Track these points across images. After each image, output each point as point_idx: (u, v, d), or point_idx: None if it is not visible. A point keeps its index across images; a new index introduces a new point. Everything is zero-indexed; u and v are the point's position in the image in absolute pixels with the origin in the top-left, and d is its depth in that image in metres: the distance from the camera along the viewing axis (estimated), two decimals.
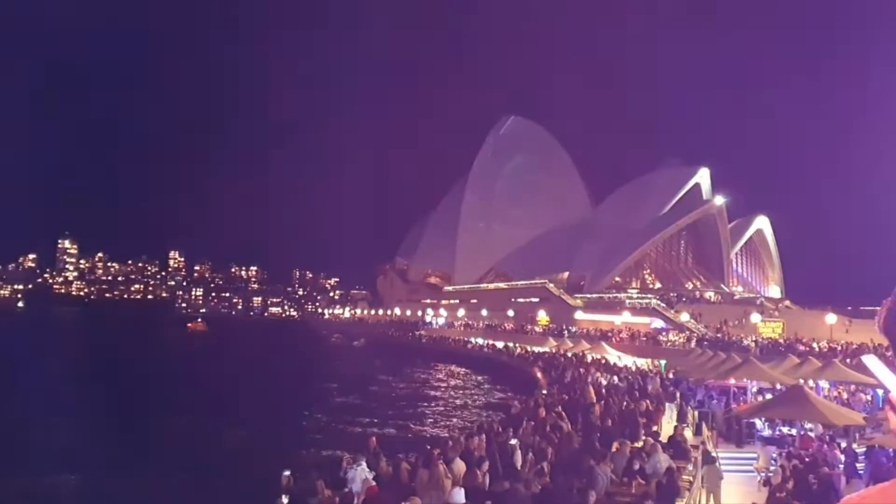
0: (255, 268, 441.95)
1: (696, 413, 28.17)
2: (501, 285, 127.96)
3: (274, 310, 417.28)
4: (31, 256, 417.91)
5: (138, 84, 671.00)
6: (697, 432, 25.19)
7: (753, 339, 65.22)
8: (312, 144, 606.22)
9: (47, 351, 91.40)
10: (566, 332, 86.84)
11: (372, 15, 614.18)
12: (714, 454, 19.60)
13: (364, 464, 14.71)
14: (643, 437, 19.91)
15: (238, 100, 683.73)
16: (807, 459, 18.61)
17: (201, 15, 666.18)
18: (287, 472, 13.50)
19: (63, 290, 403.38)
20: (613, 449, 17.62)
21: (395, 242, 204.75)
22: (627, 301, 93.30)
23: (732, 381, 32.80)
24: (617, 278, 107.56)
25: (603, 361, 55.06)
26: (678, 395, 31.70)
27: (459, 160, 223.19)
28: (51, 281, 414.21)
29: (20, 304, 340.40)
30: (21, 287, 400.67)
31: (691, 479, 17.09)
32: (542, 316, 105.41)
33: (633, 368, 49.62)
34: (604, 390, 32.15)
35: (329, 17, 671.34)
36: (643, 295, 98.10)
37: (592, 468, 15.17)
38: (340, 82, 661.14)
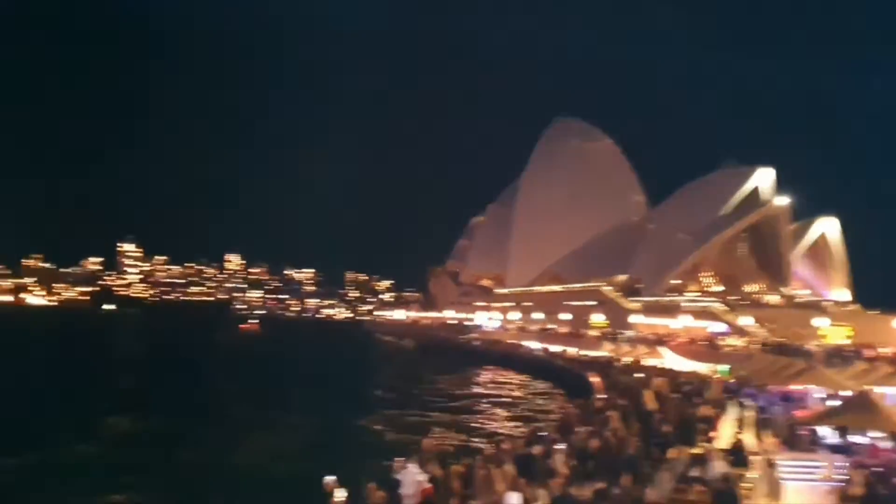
0: (310, 270, 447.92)
1: (758, 419, 27.31)
2: (555, 288, 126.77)
3: (328, 311, 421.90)
4: (95, 259, 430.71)
5: (201, 90, 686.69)
6: (759, 439, 24.39)
7: (817, 343, 63.25)
8: (368, 149, 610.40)
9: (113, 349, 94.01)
10: (622, 335, 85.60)
11: (431, 15, 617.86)
12: (776, 462, 18.90)
13: (415, 466, 14.55)
14: (702, 444, 19.36)
15: (296, 106, 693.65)
16: (879, 469, 17.80)
17: (277, 17, 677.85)
18: (331, 477, 13.37)
19: (126, 292, 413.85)
20: (671, 455, 17.14)
21: (447, 245, 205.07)
22: (686, 304, 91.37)
23: (796, 386, 31.75)
24: (675, 281, 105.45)
25: (660, 366, 54.08)
26: (739, 401, 30.82)
27: (513, 162, 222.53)
28: (113, 283, 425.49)
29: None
30: (85, 289, 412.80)
31: (752, 486, 16.53)
32: (598, 319, 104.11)
33: (692, 373, 48.57)
34: (661, 395, 31.43)
35: (387, 19, 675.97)
36: (702, 298, 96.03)
37: (650, 474, 14.77)
38: (394, 87, 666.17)
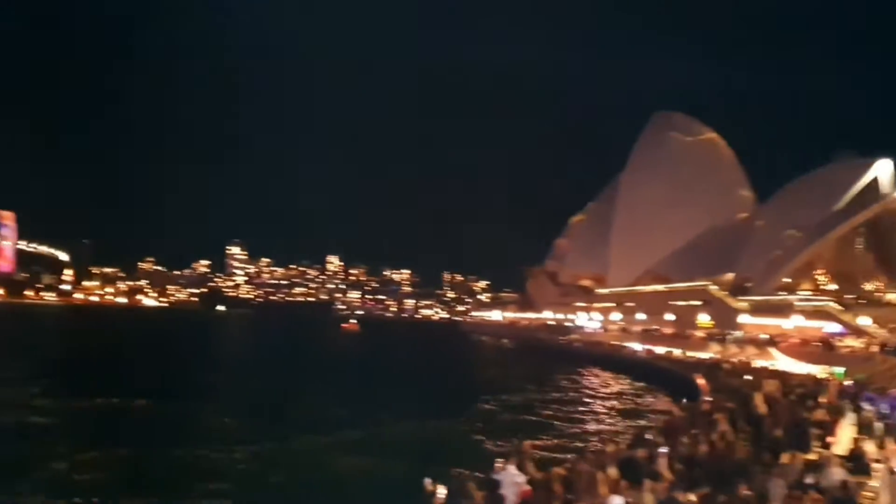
0: (407, 271, 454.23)
1: (880, 425, 25.75)
2: (659, 287, 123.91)
3: (425, 312, 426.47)
4: (204, 262, 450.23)
5: (293, 90, 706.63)
6: (881, 446, 22.99)
7: None
8: (464, 149, 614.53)
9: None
10: (730, 336, 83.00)
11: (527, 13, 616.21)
12: None
13: (514, 468, 14.43)
14: (817, 450, 18.44)
15: (389, 105, 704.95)
16: None
17: (351, 19, 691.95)
18: (429, 479, 13.37)
19: (233, 294, 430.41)
20: (784, 461, 16.37)
21: (545, 244, 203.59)
22: (798, 304, 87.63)
23: None
24: (786, 279, 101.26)
25: (771, 368, 52.05)
26: (858, 405, 29.19)
27: (613, 159, 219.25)
28: (221, 285, 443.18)
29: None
30: (196, 291, 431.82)
31: (873, 496, 15.60)
32: (704, 319, 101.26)
33: (806, 376, 46.43)
34: (772, 399, 30.13)
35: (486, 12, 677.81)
36: (816, 297, 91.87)
37: (764, 480, 14.13)
38: (494, 86, 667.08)
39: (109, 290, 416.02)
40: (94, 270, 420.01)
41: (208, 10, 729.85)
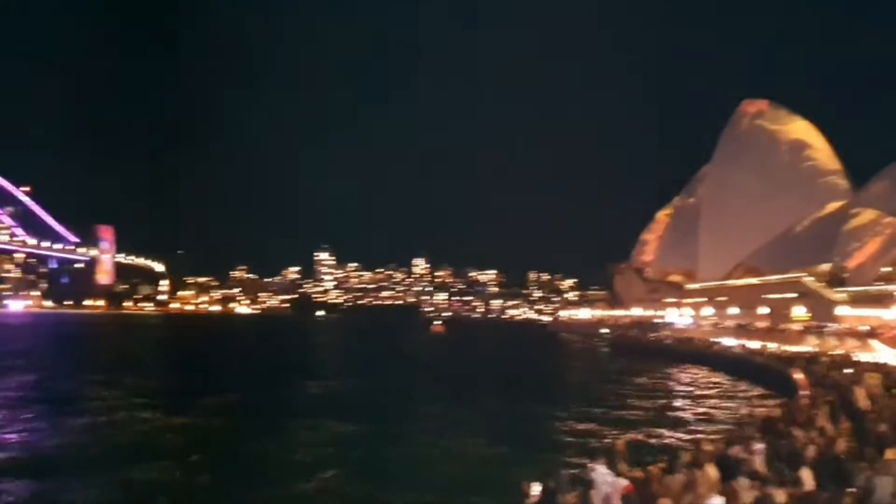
0: (493, 271, 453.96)
1: None
2: (752, 281, 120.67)
3: (512, 312, 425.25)
4: (294, 269, 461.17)
5: (379, 93, 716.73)
6: None
7: None
8: (549, 148, 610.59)
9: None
10: (828, 329, 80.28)
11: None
12: None
13: (608, 467, 14.61)
14: None
15: (475, 104, 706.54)
16: None
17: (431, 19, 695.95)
18: (531, 483, 13.76)
19: (322, 299, 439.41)
20: (888, 457, 16.04)
21: (632, 240, 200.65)
22: None
23: None
24: (886, 268, 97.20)
25: (873, 360, 50.22)
26: None
27: (701, 148, 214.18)
28: (311, 290, 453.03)
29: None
30: (286, 297, 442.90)
31: None
32: (800, 312, 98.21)
33: None
34: (875, 392, 29.28)
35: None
36: None
37: (870, 478, 13.93)
38: (574, 84, 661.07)
39: (204, 298, 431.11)
40: (189, 280, 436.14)
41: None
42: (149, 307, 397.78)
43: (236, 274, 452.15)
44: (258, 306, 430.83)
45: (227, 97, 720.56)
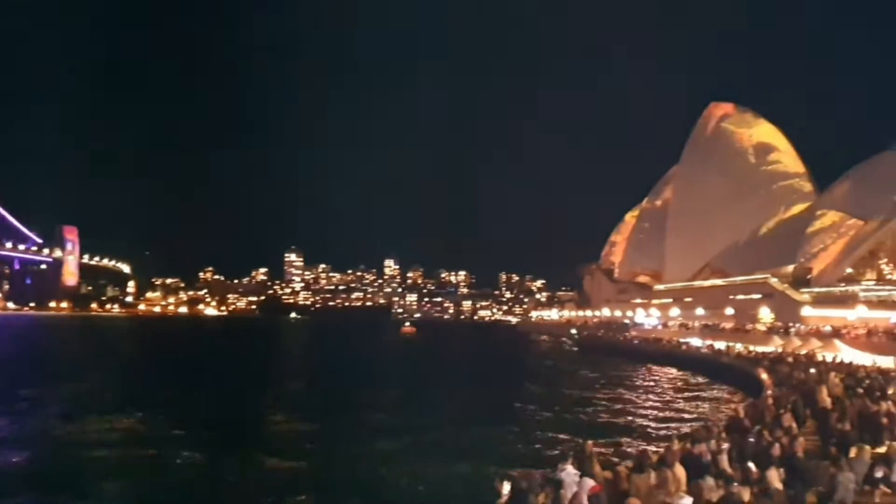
0: (463, 273, 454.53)
1: None
2: (718, 282, 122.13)
3: (483, 313, 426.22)
4: (262, 270, 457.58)
5: (350, 95, 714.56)
6: None
7: None
8: (518, 150, 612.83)
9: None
10: (793, 329, 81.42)
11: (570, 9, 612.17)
12: None
13: (573, 467, 14.65)
14: (886, 443, 18.25)
15: (444, 106, 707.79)
16: None
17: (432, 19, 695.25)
18: (498, 479, 13.76)
19: (291, 300, 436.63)
20: (851, 455, 16.29)
21: (601, 242, 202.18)
22: (862, 294, 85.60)
23: None
24: (849, 270, 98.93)
25: (836, 360, 51.03)
26: None
27: (668, 151, 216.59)
28: (280, 292, 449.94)
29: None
30: (255, 299, 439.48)
31: None
32: (765, 313, 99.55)
33: (873, 368, 45.48)
34: (838, 392, 29.76)
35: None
36: (880, 287, 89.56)
37: (834, 475, 14.13)
38: (543, 86, 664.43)
39: (171, 300, 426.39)
40: (156, 282, 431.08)
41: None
42: (115, 309, 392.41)
43: (204, 275, 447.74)
44: (226, 308, 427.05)
45: (196, 96, 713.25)
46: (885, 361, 50.92)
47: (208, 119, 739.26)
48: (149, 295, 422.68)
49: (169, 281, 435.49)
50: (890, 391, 29.40)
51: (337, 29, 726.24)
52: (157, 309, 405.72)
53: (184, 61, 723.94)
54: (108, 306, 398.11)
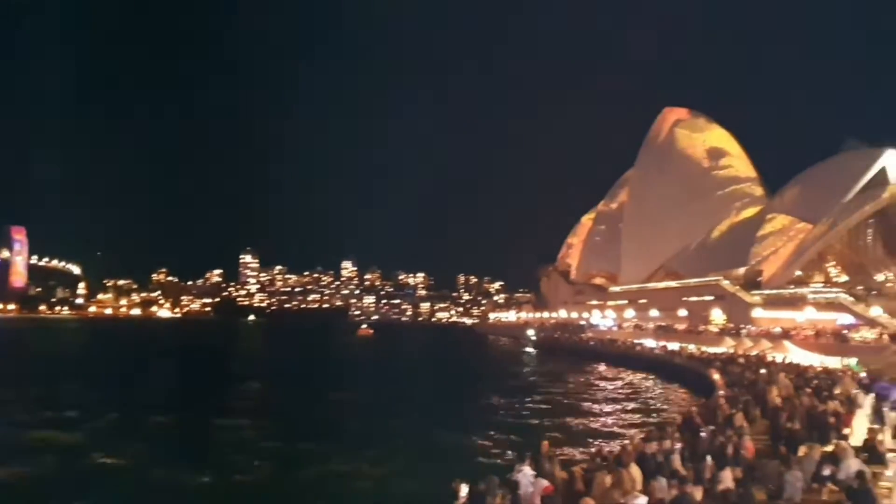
0: (421, 274, 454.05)
1: (894, 415, 26.03)
2: (672, 284, 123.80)
3: (441, 315, 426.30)
4: (217, 271, 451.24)
5: (318, 97, 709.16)
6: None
7: None
8: (475, 151, 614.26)
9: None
10: (744, 331, 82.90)
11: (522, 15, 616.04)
12: None
13: (533, 468, 14.77)
14: (833, 441, 18.72)
15: (411, 107, 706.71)
16: None
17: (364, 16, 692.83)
18: (456, 479, 13.80)
19: (247, 302, 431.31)
20: (801, 453, 16.69)
21: (559, 244, 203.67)
22: (811, 296, 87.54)
23: None
24: (798, 272, 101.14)
25: (786, 361, 52.18)
26: (872, 395, 29.47)
27: (624, 155, 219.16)
28: (235, 294, 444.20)
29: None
30: (209, 301, 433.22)
31: (890, 486, 15.88)
32: (717, 315, 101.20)
33: (820, 368, 46.64)
34: (788, 391, 30.44)
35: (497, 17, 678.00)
36: (828, 289, 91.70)
37: (782, 474, 14.46)
38: (512, 87, 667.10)
39: (123, 302, 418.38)
40: (108, 283, 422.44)
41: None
42: (65, 311, 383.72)
43: (157, 277, 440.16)
44: (180, 310, 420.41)
45: (148, 95, 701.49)
46: (832, 362, 52.29)
47: (162, 119, 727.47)
48: (100, 297, 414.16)
49: (121, 282, 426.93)
50: (837, 391, 30.17)
51: (299, 30, 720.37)
52: (109, 311, 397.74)
53: (142, 60, 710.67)
54: (57, 308, 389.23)
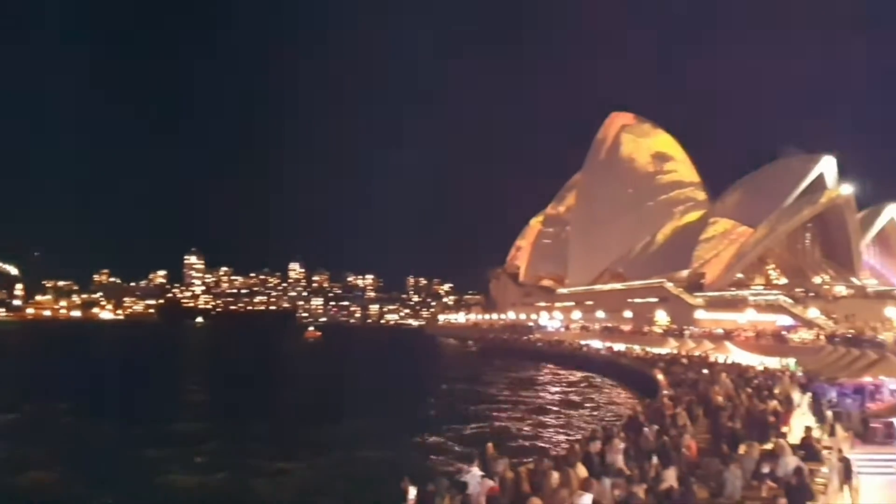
0: (370, 276, 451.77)
1: (830, 413, 26.80)
2: (617, 286, 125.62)
3: (390, 317, 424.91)
4: (161, 272, 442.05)
5: (260, 96, 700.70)
6: (831, 433, 23.99)
7: (892, 334, 61.40)
8: (426, 151, 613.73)
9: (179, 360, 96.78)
10: (687, 332, 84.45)
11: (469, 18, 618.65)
12: (850, 456, 18.61)
13: (480, 469, 14.80)
14: (772, 439, 19.15)
15: (356, 109, 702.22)
16: None
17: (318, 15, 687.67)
18: (406, 479, 13.76)
19: (191, 304, 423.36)
20: (741, 451, 17.05)
21: (508, 246, 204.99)
22: (751, 298, 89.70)
23: (868, 378, 30.98)
24: (739, 275, 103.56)
25: (727, 361, 53.32)
26: (809, 394, 30.30)
27: (570, 160, 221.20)
28: (179, 295, 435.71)
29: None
30: (153, 302, 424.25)
31: (825, 482, 16.33)
32: (661, 316, 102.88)
33: (760, 368, 47.78)
34: (729, 391, 31.08)
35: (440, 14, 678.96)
36: (768, 291, 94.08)
37: (722, 472, 14.75)
38: (452, 87, 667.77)
39: (63, 303, 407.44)
40: (47, 284, 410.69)
41: None
42: (2, 313, 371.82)
43: (99, 277, 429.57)
44: (122, 312, 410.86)
45: (88, 94, 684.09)
46: (772, 362, 53.64)
47: (102, 113, 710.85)
48: (38, 298, 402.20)
49: (61, 283, 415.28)
50: (776, 390, 30.92)
51: (240, 30, 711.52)
52: (48, 312, 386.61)
53: (83, 58, 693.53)
54: None
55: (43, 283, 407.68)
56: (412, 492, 13.53)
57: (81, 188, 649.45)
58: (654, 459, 16.50)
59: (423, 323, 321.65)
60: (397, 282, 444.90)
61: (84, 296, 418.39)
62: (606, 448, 17.40)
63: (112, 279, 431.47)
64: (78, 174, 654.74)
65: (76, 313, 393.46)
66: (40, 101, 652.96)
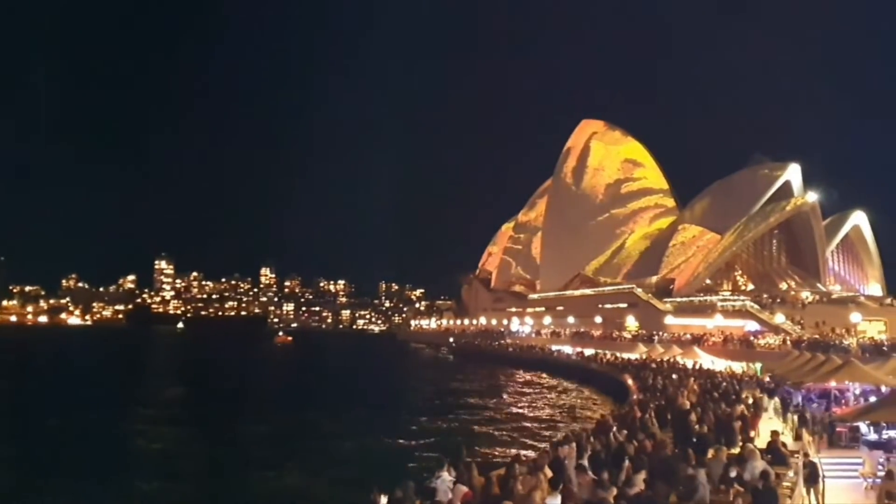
0: (342, 282, 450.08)
1: (796, 418, 27.20)
2: (588, 291, 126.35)
3: (361, 322, 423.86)
4: (131, 277, 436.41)
5: (231, 103, 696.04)
6: (797, 437, 24.34)
7: (856, 339, 62.45)
8: (398, 158, 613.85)
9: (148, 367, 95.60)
10: (656, 337, 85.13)
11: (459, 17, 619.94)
12: (815, 460, 18.90)
13: (451, 474, 14.78)
14: (740, 444, 19.38)
15: (328, 117, 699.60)
16: None
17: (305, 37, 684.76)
18: (376, 489, 13.72)
19: (161, 310, 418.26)
20: (709, 456, 17.21)
21: (479, 252, 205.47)
22: (719, 304, 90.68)
23: (833, 383, 31.48)
24: (707, 281, 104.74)
25: (696, 366, 53.81)
26: (776, 399, 30.72)
27: (543, 166, 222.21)
28: (149, 301, 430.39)
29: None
30: (122, 308, 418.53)
31: (792, 485, 16.54)
32: (631, 322, 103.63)
33: (728, 373, 48.31)
34: (698, 396, 31.40)
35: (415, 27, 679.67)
36: (735, 297, 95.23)
37: (691, 476, 14.86)
38: (423, 95, 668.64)
39: (30, 309, 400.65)
40: (13, 289, 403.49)
41: None
42: None
43: (66, 282, 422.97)
44: (91, 317, 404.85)
45: (57, 94, 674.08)
46: (739, 367, 54.26)
47: (71, 118, 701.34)
48: (4, 303, 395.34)
49: (28, 288, 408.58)
50: (743, 395, 31.31)
51: (209, 31, 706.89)
52: (14, 318, 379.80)
53: (53, 55, 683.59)
54: None
55: (9, 288, 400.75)
56: (383, 499, 13.48)
57: (49, 192, 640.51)
58: (627, 463, 16.61)
59: (396, 329, 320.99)
60: (369, 287, 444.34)
61: (52, 301, 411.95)
62: (576, 452, 17.48)
63: (80, 284, 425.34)
64: (45, 176, 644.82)
65: (43, 319, 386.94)
66: (4, 102, 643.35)
